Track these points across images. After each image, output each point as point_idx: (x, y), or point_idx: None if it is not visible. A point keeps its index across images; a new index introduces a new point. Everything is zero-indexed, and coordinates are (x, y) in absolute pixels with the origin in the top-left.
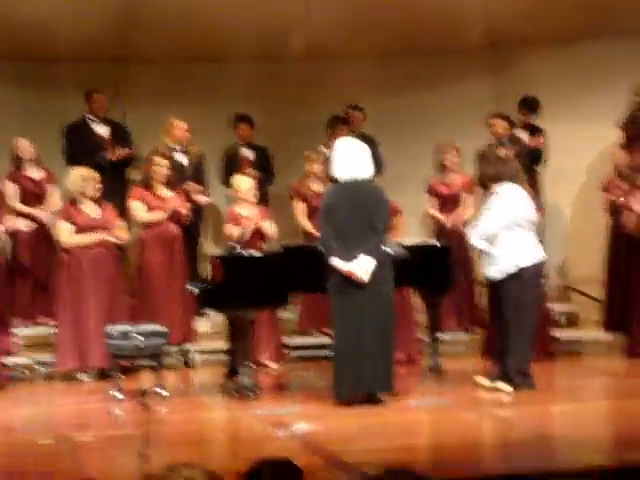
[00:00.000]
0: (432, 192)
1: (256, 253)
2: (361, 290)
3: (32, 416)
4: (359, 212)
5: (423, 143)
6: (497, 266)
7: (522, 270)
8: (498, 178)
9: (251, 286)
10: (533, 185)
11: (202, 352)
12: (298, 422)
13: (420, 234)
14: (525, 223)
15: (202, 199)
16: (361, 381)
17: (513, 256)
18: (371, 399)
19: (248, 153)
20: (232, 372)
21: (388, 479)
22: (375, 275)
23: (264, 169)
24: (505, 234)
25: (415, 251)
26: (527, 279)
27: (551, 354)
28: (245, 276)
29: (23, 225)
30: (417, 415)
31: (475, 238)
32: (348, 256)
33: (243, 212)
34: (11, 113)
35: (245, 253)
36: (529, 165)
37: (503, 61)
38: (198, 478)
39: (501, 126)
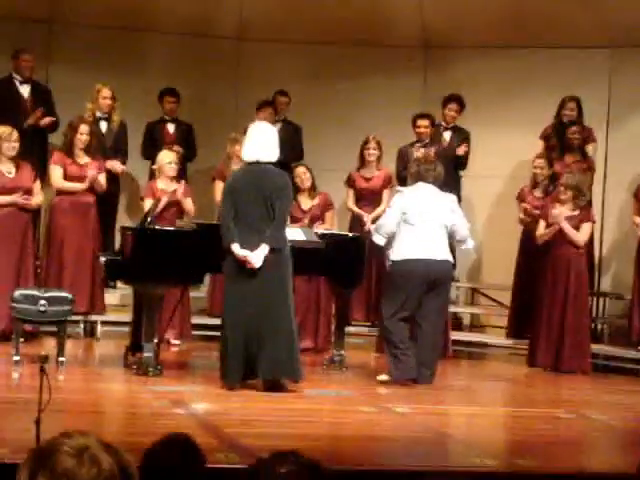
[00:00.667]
0: (352, 185)
1: (168, 228)
2: (253, 276)
3: None
4: (261, 196)
5: (349, 135)
6: (387, 258)
7: (394, 263)
8: (410, 178)
9: (160, 261)
10: (455, 188)
11: (107, 323)
12: (197, 401)
13: (339, 226)
14: (415, 221)
15: (117, 167)
16: (248, 368)
17: (393, 250)
18: (271, 386)
19: (171, 128)
20: (135, 346)
21: (276, 462)
22: (270, 261)
23: (186, 145)
24: (398, 229)
25: (329, 241)
26: (396, 272)
27: (451, 356)
28: (154, 250)
29: None
30: (316, 404)
31: (375, 235)
32: (247, 239)
33: (161, 186)
34: None
35: (156, 227)
36: (451, 168)
37: (433, 62)
38: (93, 446)
39: (424, 126)
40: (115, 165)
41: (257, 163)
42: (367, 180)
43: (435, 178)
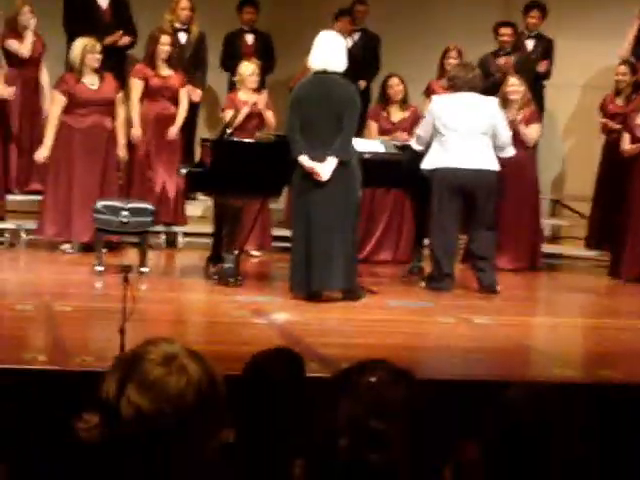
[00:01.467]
0: (431, 94)
1: (246, 140)
2: (320, 187)
3: (12, 282)
4: (328, 106)
5: (429, 45)
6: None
7: (427, 172)
8: (450, 86)
9: (239, 173)
10: (537, 98)
11: (189, 234)
12: (277, 311)
13: None
14: (445, 130)
15: (195, 96)
16: (312, 279)
17: (425, 158)
18: (343, 296)
19: (250, 38)
20: (216, 257)
21: (366, 371)
22: (337, 173)
23: (265, 56)
24: (432, 138)
25: (408, 152)
26: (431, 183)
27: (537, 267)
28: (233, 162)
29: (7, 94)
30: (395, 315)
31: (413, 142)
32: (314, 150)
33: (243, 97)
34: None
35: (235, 138)
36: (532, 78)
37: None
38: (180, 354)
39: (507, 34)
40: (193, 95)
41: (324, 72)
42: (447, 89)
43: (469, 85)
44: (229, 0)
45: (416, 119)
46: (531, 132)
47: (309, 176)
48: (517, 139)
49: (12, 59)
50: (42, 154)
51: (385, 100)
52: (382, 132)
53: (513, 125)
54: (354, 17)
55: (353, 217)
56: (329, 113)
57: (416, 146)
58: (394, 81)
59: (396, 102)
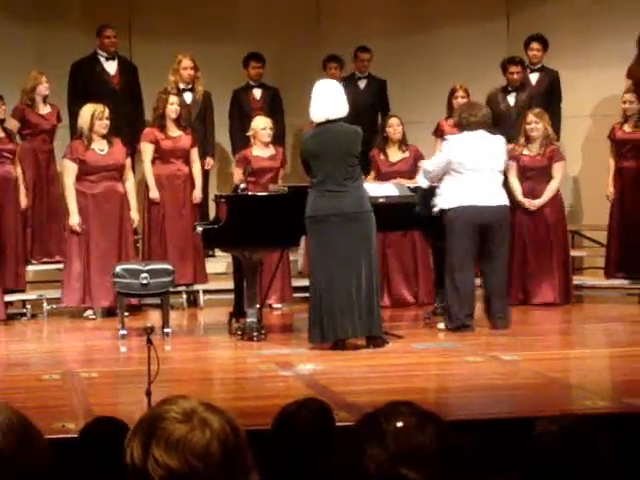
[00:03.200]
0: (440, 134)
1: (260, 193)
2: (338, 234)
3: (38, 352)
4: (337, 153)
5: (434, 85)
6: (432, 205)
7: (445, 212)
8: (459, 125)
9: (255, 227)
10: (553, 126)
11: (209, 292)
12: (303, 362)
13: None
14: (462, 169)
15: (207, 165)
16: (336, 327)
17: (440, 198)
18: (373, 342)
19: (258, 93)
20: (238, 312)
21: (392, 411)
22: (353, 220)
23: (274, 110)
24: (445, 178)
25: (421, 194)
26: (448, 221)
27: (570, 301)
28: (248, 217)
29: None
30: (421, 357)
31: (420, 176)
32: (331, 199)
33: (256, 153)
34: (17, 49)
35: (249, 193)
36: (545, 107)
37: (516, 6)
38: (198, 408)
39: (517, 71)
40: (206, 165)
41: (327, 122)
42: (456, 128)
43: (479, 124)
44: (232, 57)
45: (417, 159)
46: (557, 171)
47: (325, 224)
48: (544, 173)
49: (27, 130)
50: (74, 220)
51: (384, 140)
52: (380, 174)
53: (514, 155)
54: (358, 66)
55: (373, 262)
56: (340, 159)
57: (423, 181)
58: (394, 121)
59: (395, 142)
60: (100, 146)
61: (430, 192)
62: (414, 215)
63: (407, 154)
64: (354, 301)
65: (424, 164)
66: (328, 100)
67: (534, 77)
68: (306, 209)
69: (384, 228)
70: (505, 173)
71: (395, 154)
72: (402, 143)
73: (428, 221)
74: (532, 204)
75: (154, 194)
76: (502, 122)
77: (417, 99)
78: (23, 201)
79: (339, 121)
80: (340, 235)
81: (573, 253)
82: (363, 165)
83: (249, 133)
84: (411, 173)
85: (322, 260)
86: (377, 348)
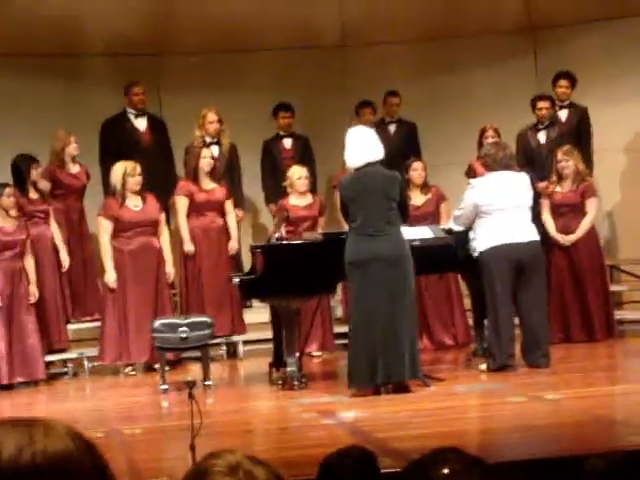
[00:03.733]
0: (473, 175)
1: (295, 241)
2: (377, 278)
3: (80, 410)
4: (377, 197)
5: (464, 125)
6: (472, 250)
7: (481, 254)
8: (484, 166)
9: (291, 275)
10: (585, 162)
11: (248, 342)
12: (345, 410)
13: None
14: (491, 210)
15: (237, 217)
16: (376, 372)
17: (476, 241)
18: (399, 388)
19: (288, 143)
20: (278, 362)
21: (438, 458)
22: (392, 264)
23: (305, 159)
24: (477, 221)
25: (456, 235)
26: (485, 262)
27: (614, 335)
28: (285, 265)
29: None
30: (464, 400)
31: (451, 223)
32: (372, 242)
33: (293, 202)
34: (45, 108)
35: (283, 242)
36: (575, 143)
37: (542, 44)
38: (243, 461)
39: (545, 107)
40: (236, 217)
41: (367, 166)
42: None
43: (502, 164)
44: (260, 108)
45: (439, 198)
46: (591, 207)
47: (365, 268)
48: (577, 209)
49: (58, 190)
50: (111, 278)
51: (406, 184)
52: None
53: (547, 192)
54: (387, 110)
55: (411, 307)
56: (379, 203)
57: (455, 227)
58: (419, 165)
59: (417, 186)
60: (134, 202)
61: (464, 234)
62: (450, 257)
63: (429, 196)
64: (391, 346)
65: (454, 214)
66: (366, 144)
67: (563, 114)
68: (345, 254)
69: (420, 271)
70: (538, 211)
71: (418, 197)
72: (424, 186)
73: (465, 263)
74: (566, 240)
75: (189, 247)
76: (534, 160)
77: (447, 140)
78: (65, 260)
79: (377, 164)
80: (380, 279)
81: (612, 288)
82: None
83: (285, 183)
84: (435, 214)
85: (361, 303)
86: (401, 394)
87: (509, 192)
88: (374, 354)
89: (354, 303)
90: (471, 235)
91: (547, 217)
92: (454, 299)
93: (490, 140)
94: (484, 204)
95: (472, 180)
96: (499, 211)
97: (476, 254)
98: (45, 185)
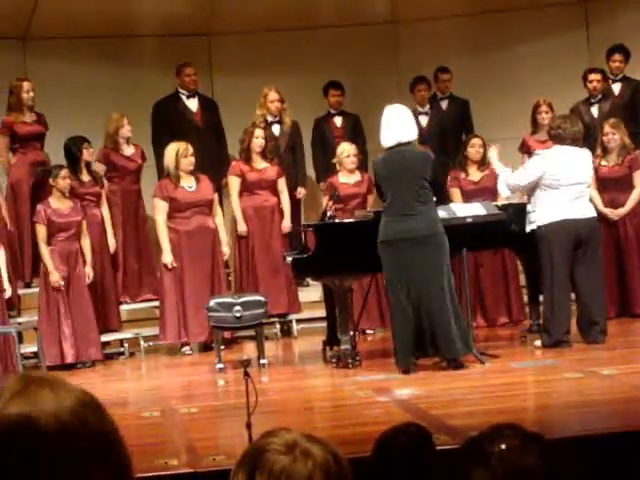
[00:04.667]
0: (526, 150)
1: (346, 220)
2: (412, 255)
3: (136, 390)
4: (408, 177)
5: (516, 101)
6: (528, 222)
7: (540, 228)
8: (553, 138)
9: (343, 254)
10: (635, 141)
11: (302, 321)
12: (400, 387)
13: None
14: (556, 184)
15: (300, 195)
16: (419, 349)
17: (535, 214)
18: (452, 364)
19: (339, 121)
20: (332, 340)
21: (495, 434)
22: (425, 243)
23: (355, 137)
24: (537, 193)
25: (510, 211)
26: (544, 237)
27: None
28: (336, 244)
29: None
30: (520, 377)
31: (502, 184)
32: (402, 222)
33: (342, 180)
34: (97, 91)
35: (336, 220)
36: (629, 117)
37: (594, 14)
38: (300, 440)
39: (597, 80)
40: (298, 195)
41: (398, 145)
42: (543, 143)
43: (573, 138)
44: (312, 87)
45: (495, 176)
46: (638, 179)
47: (396, 248)
48: (624, 183)
49: (114, 172)
50: (168, 259)
51: (464, 160)
52: (465, 194)
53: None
54: (439, 87)
55: (447, 284)
56: (410, 183)
57: (505, 191)
58: (477, 141)
59: (475, 162)
60: (188, 183)
61: (522, 209)
62: (504, 233)
63: (487, 172)
64: (436, 322)
65: (509, 179)
66: (398, 124)
67: (616, 88)
68: (379, 234)
69: (474, 248)
70: None
71: (475, 173)
72: (481, 164)
73: (520, 238)
74: (615, 214)
75: (242, 227)
76: (587, 134)
77: (499, 116)
78: (112, 243)
79: (409, 144)
80: (411, 259)
81: None
82: (439, 189)
83: (334, 160)
84: (493, 190)
85: (396, 284)
86: (458, 369)
87: (574, 167)
88: (416, 333)
89: (388, 284)
90: (529, 208)
91: (594, 192)
92: (509, 276)
93: (544, 115)
94: (550, 177)
95: (539, 150)
96: (563, 186)
97: (534, 227)
98: (100, 168)
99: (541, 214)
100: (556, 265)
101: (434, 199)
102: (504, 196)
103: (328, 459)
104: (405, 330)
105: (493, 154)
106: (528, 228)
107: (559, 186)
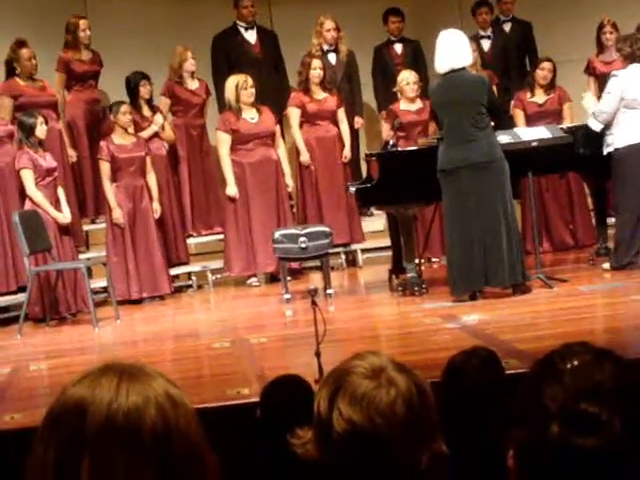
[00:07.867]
0: (592, 72)
1: (409, 148)
2: (471, 184)
3: (206, 321)
4: (464, 103)
5: (579, 21)
6: (606, 145)
7: (617, 150)
8: (626, 58)
9: (407, 182)
10: None
11: (367, 250)
12: (467, 314)
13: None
14: (635, 104)
15: (358, 124)
16: (476, 278)
17: (613, 136)
18: (516, 290)
19: (399, 48)
20: (397, 268)
21: (567, 351)
22: (485, 169)
23: (416, 64)
24: (618, 115)
25: (577, 134)
26: (621, 159)
27: None
28: (399, 172)
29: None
30: (588, 300)
31: (592, 121)
32: (460, 150)
33: (403, 107)
34: (156, 27)
35: (399, 148)
36: None
37: None
38: (387, 366)
39: None
40: (356, 125)
41: (451, 72)
42: (608, 64)
43: None
44: (371, 15)
45: (563, 98)
46: None
47: (455, 176)
48: None
49: (178, 106)
50: (232, 191)
51: (532, 83)
52: (529, 117)
53: None
54: (502, 9)
55: (509, 210)
56: (466, 109)
57: (596, 124)
58: (547, 65)
59: (541, 86)
60: (250, 115)
61: (592, 132)
62: (570, 156)
63: (552, 95)
64: (488, 251)
65: (595, 109)
66: (452, 50)
67: None
68: (438, 162)
69: (540, 171)
70: None
71: (540, 96)
72: (549, 86)
73: (589, 161)
74: None
75: (304, 157)
76: None
77: (562, 37)
78: (157, 209)
79: (463, 70)
80: (471, 186)
81: None
82: (503, 114)
83: (395, 89)
84: (558, 113)
85: (454, 212)
86: (524, 295)
87: None
88: (472, 261)
89: (447, 212)
90: (605, 131)
91: None
92: (575, 199)
93: (609, 35)
94: (629, 97)
95: (615, 72)
96: None
97: (610, 150)
98: (165, 102)
99: (619, 136)
100: (631, 188)
101: (492, 124)
102: (597, 129)
103: (412, 390)
104: (460, 260)
105: (590, 101)
106: (605, 151)
107: (637, 106)
